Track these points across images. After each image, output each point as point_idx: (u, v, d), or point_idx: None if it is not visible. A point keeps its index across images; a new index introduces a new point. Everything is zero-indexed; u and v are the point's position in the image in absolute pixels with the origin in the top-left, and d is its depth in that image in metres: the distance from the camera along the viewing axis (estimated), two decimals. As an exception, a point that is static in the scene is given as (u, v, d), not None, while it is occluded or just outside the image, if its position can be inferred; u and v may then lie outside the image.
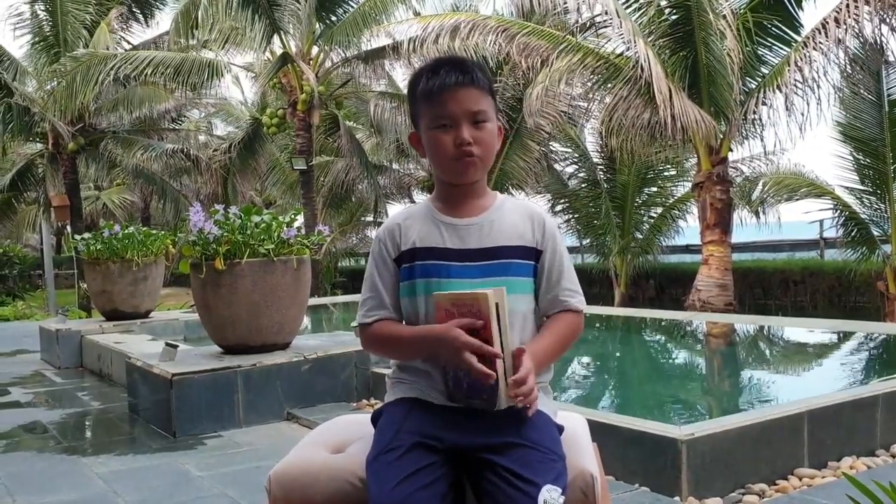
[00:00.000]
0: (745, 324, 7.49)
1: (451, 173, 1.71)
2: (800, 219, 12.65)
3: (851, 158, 10.65)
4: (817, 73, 8.40)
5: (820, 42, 8.24)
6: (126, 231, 7.08)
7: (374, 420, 1.74)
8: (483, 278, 1.66)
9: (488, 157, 1.70)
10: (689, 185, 10.81)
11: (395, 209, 16.87)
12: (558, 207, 14.51)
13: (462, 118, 1.66)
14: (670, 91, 8.16)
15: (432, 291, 1.65)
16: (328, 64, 13.58)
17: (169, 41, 13.68)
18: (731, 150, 9.38)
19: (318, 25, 13.13)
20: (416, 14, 13.53)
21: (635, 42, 8.34)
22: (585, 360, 6.57)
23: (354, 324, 5.19)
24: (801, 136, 8.75)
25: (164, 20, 15.87)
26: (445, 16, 10.52)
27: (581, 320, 1.75)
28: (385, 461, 1.55)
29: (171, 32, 13.61)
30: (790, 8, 8.88)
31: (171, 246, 7.34)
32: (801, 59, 8.36)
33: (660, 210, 14.02)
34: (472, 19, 9.92)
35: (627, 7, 9.29)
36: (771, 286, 13.11)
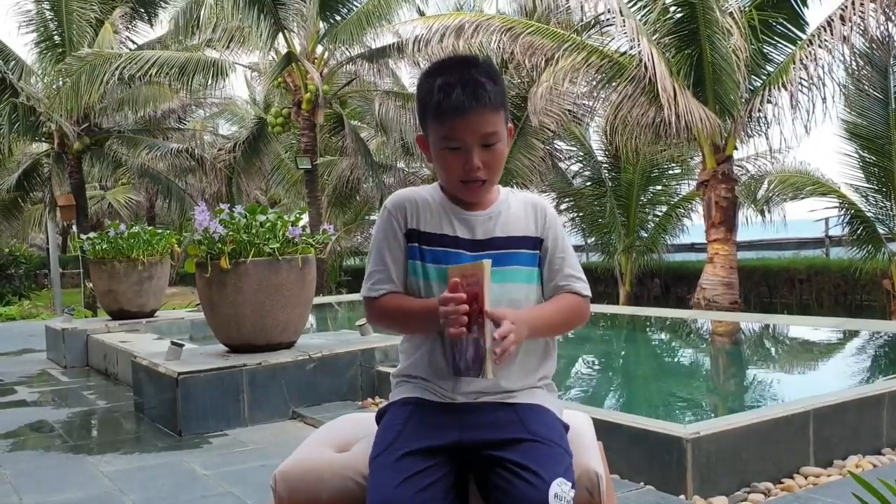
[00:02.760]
0: (750, 322, 7.48)
1: (458, 192, 1.71)
2: (805, 217, 12.65)
3: (857, 156, 10.63)
4: (823, 70, 8.38)
5: (825, 40, 8.21)
6: (131, 230, 7.10)
7: (379, 418, 1.74)
8: (492, 267, 1.65)
9: (496, 176, 1.70)
10: (694, 183, 10.79)
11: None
12: (563, 206, 14.50)
13: (473, 144, 1.62)
14: (674, 89, 8.15)
15: (444, 278, 1.62)
16: (332, 63, 13.57)
17: (165, 37, 13.65)
18: (736, 148, 9.36)
19: (322, 24, 13.12)
20: (421, 13, 13.54)
21: (639, 40, 8.33)
22: (590, 358, 6.57)
23: (359, 322, 5.21)
24: (807, 134, 8.72)
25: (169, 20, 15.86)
26: (449, 16, 10.54)
27: (585, 305, 1.74)
28: (386, 461, 1.55)
29: (170, 32, 13.61)
30: (796, 6, 8.86)
31: (176, 245, 7.36)
32: (807, 57, 8.33)
33: (665, 208, 14.01)
34: (476, 19, 9.92)
35: (632, 5, 9.27)
36: (776, 284, 13.10)
